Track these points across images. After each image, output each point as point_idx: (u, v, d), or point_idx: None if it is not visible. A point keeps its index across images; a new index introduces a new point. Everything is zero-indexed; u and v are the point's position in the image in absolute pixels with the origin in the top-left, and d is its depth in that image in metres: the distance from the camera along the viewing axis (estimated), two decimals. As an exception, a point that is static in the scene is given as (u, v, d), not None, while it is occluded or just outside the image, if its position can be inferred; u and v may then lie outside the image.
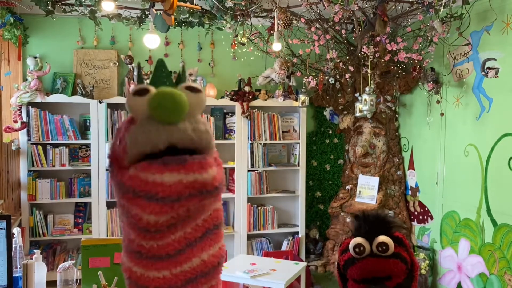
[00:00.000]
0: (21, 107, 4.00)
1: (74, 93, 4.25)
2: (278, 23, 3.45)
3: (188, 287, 0.72)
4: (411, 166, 4.45)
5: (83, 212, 4.34)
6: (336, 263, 1.16)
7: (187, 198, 0.66)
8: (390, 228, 1.09)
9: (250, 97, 4.49)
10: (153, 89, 0.67)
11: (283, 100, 4.51)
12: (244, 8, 3.61)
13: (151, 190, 0.64)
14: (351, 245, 1.07)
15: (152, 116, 0.66)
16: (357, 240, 1.06)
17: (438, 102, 3.89)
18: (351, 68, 4.11)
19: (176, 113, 0.66)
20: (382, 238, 1.06)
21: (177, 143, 0.66)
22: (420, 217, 4.31)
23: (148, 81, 0.73)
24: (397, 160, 4.55)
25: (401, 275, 1.05)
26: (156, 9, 2.52)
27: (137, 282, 0.71)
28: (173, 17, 2.32)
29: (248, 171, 4.53)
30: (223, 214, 0.82)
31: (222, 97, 4.54)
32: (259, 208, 4.61)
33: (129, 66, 4.34)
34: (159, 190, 0.64)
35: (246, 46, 4.24)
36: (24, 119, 4.02)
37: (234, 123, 4.50)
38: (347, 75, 4.15)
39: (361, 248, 1.06)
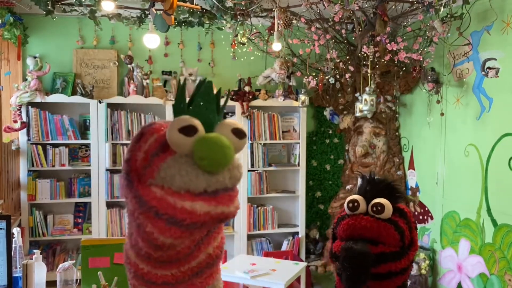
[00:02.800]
0: (20, 107, 4.00)
1: (73, 93, 4.25)
2: (278, 23, 3.45)
3: (194, 279, 0.72)
4: (411, 166, 4.45)
5: (82, 212, 4.33)
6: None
7: (208, 225, 0.66)
8: (395, 196, 0.98)
9: (250, 97, 4.49)
10: (201, 130, 0.64)
11: (283, 100, 4.51)
12: (244, 8, 3.60)
13: (177, 216, 0.63)
14: (346, 201, 0.98)
15: (194, 160, 0.64)
16: (353, 196, 0.98)
17: (438, 102, 3.89)
18: (351, 68, 4.11)
19: (222, 167, 0.65)
20: (380, 199, 0.95)
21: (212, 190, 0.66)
22: (420, 217, 4.31)
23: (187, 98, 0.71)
24: (397, 160, 4.55)
25: (391, 244, 0.92)
26: (156, 9, 2.51)
27: (144, 277, 0.70)
28: (173, 16, 2.31)
29: (248, 171, 4.53)
30: None
31: (222, 97, 4.53)
32: (259, 208, 4.61)
33: (128, 66, 4.34)
34: (186, 217, 0.63)
35: (246, 46, 4.23)
36: (24, 119, 4.01)
37: (234, 123, 4.49)
38: (347, 75, 4.14)
39: (355, 204, 0.96)
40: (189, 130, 0.63)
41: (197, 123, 0.65)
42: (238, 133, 0.67)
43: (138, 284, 0.71)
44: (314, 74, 4.33)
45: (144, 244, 0.68)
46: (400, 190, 1.00)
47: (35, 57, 4.11)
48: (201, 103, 0.69)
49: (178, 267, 0.70)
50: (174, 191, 0.63)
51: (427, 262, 4.02)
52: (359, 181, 1.03)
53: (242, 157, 4.45)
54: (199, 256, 0.72)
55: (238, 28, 4.04)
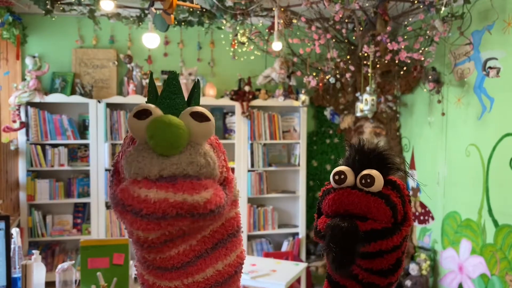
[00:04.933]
0: (19, 107, 3.98)
1: (73, 92, 4.23)
2: (278, 22, 3.44)
3: None
4: (412, 166, 4.44)
5: (82, 213, 4.32)
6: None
7: (175, 218, 0.61)
8: (387, 167, 0.85)
9: (250, 96, 4.48)
10: (155, 112, 0.63)
11: (283, 100, 4.50)
12: (244, 7, 3.59)
13: (135, 206, 0.60)
14: (332, 173, 0.85)
15: (148, 143, 0.62)
16: (340, 167, 0.85)
17: (439, 101, 3.88)
18: (352, 68, 4.10)
19: (169, 147, 0.61)
20: (370, 170, 0.82)
21: (169, 176, 0.62)
22: (421, 217, 4.29)
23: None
24: (398, 160, 4.53)
25: (381, 220, 0.80)
26: (155, 8, 2.49)
27: None
28: (172, 16, 2.30)
29: (248, 171, 4.51)
30: (240, 220, 0.76)
31: (222, 97, 4.53)
32: (259, 208, 4.59)
33: (128, 65, 4.33)
34: (142, 206, 0.59)
35: (246, 45, 4.22)
36: (23, 119, 4.00)
37: (234, 123, 4.48)
38: (347, 75, 4.13)
39: (342, 176, 0.83)
40: (142, 114, 0.62)
41: (152, 107, 0.63)
42: (197, 115, 0.64)
43: None
44: (314, 74, 4.31)
45: (134, 246, 0.67)
46: (393, 160, 0.86)
47: (34, 57, 4.10)
48: (169, 94, 0.68)
49: (180, 279, 0.67)
50: (135, 181, 0.61)
51: (428, 262, 4.01)
52: (347, 149, 0.88)
53: (242, 157, 4.44)
54: (204, 271, 0.68)
55: (238, 28, 4.02)
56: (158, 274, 0.67)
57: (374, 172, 0.81)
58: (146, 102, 0.68)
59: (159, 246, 0.65)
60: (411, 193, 4.44)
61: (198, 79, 0.75)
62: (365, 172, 0.81)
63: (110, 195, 0.66)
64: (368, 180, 0.80)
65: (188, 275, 0.67)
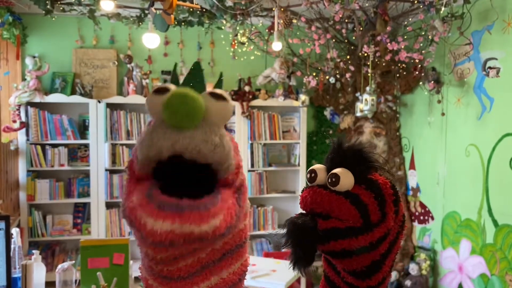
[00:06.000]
0: (19, 107, 3.98)
1: (73, 92, 4.23)
2: (278, 22, 3.44)
3: None
4: (412, 166, 4.44)
5: (82, 213, 4.32)
6: None
7: (183, 244, 0.59)
8: (364, 166, 0.82)
9: (250, 96, 4.48)
10: (173, 89, 0.61)
11: (283, 100, 4.50)
12: (244, 7, 3.59)
13: (142, 232, 0.58)
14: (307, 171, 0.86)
15: (164, 119, 0.60)
16: (314, 166, 0.84)
17: (439, 102, 3.88)
18: (352, 68, 4.10)
19: (185, 116, 0.59)
20: (338, 169, 0.80)
21: (183, 152, 0.60)
22: (421, 217, 4.29)
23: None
24: (398, 160, 4.54)
25: (346, 219, 0.77)
26: (155, 8, 2.49)
27: None
28: (172, 16, 2.30)
29: (248, 171, 4.51)
30: (248, 231, 0.74)
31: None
32: (259, 208, 4.59)
33: (128, 65, 4.33)
34: (149, 236, 0.57)
35: (246, 45, 4.22)
36: (23, 119, 4.00)
37: (234, 123, 4.48)
38: (347, 75, 4.13)
39: (313, 175, 0.83)
40: (160, 90, 0.62)
41: (172, 86, 0.63)
42: (215, 94, 0.63)
43: None
44: (314, 74, 4.32)
45: (141, 254, 0.66)
46: (373, 159, 0.82)
47: (34, 57, 4.10)
48: (191, 81, 0.68)
49: (185, 287, 0.66)
50: (143, 202, 0.59)
51: (428, 262, 4.01)
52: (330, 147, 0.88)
53: (242, 157, 4.43)
54: (209, 280, 0.67)
55: (238, 28, 4.02)
56: (163, 282, 0.66)
57: (340, 171, 0.79)
58: None
59: (168, 262, 0.64)
60: (410, 193, 4.44)
61: (197, 62, 0.74)
62: (333, 171, 0.80)
63: (122, 202, 0.63)
64: (333, 179, 0.79)
65: (193, 284, 0.66)
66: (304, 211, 0.83)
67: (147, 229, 0.57)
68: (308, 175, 0.83)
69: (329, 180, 0.80)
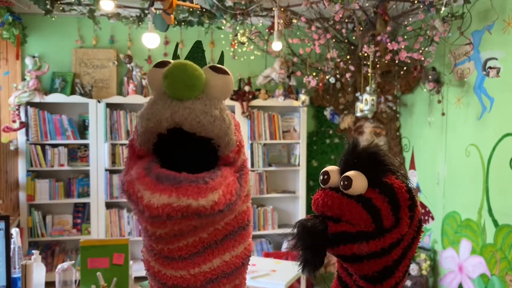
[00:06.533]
0: (19, 107, 3.98)
1: (73, 92, 4.23)
2: (278, 22, 3.43)
3: (209, 287, 0.67)
4: (412, 166, 4.43)
5: (82, 213, 4.31)
6: None
7: (181, 219, 0.58)
8: (379, 169, 0.79)
9: (250, 96, 4.47)
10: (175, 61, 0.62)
11: (283, 100, 4.49)
12: (244, 7, 3.59)
13: (140, 206, 0.58)
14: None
15: (165, 91, 0.61)
16: (327, 167, 0.83)
17: (439, 101, 3.88)
18: (352, 68, 4.10)
19: (184, 86, 0.59)
20: (351, 172, 0.78)
21: (183, 123, 0.60)
22: (421, 217, 4.29)
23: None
24: (398, 160, 4.53)
25: (358, 223, 0.75)
26: (155, 8, 2.49)
27: (155, 277, 0.67)
28: (172, 16, 2.30)
29: (248, 171, 4.51)
30: (251, 214, 0.74)
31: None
32: (259, 208, 4.59)
33: (128, 65, 4.33)
34: (146, 209, 0.57)
35: (246, 45, 4.22)
36: (23, 119, 4.00)
37: (234, 123, 4.47)
38: (347, 75, 4.13)
39: (325, 177, 0.81)
40: (161, 64, 0.63)
41: (171, 60, 0.64)
42: (215, 68, 0.64)
43: (153, 284, 0.68)
44: (314, 74, 4.31)
45: (142, 234, 0.66)
46: (388, 161, 0.80)
47: (34, 57, 4.09)
48: (192, 59, 0.68)
49: (186, 269, 0.65)
50: (141, 175, 0.59)
51: (428, 262, 4.00)
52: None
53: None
54: (211, 261, 0.67)
55: (238, 28, 4.02)
56: (164, 262, 0.66)
57: (353, 174, 0.77)
58: None
59: (168, 239, 0.63)
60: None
61: (199, 40, 0.75)
62: (346, 173, 0.78)
63: (121, 178, 0.64)
64: (346, 182, 0.77)
65: (195, 265, 0.66)
66: (316, 214, 0.81)
67: (144, 202, 0.57)
68: (321, 177, 0.82)
69: (342, 183, 0.78)
